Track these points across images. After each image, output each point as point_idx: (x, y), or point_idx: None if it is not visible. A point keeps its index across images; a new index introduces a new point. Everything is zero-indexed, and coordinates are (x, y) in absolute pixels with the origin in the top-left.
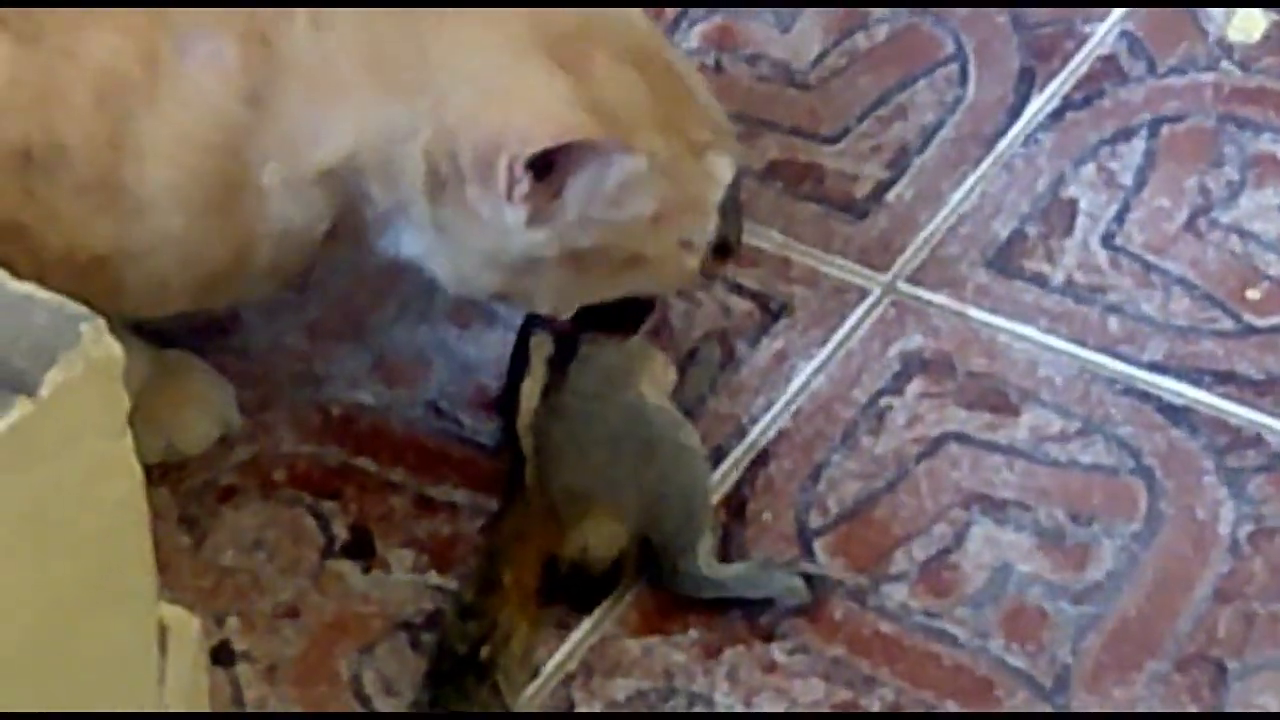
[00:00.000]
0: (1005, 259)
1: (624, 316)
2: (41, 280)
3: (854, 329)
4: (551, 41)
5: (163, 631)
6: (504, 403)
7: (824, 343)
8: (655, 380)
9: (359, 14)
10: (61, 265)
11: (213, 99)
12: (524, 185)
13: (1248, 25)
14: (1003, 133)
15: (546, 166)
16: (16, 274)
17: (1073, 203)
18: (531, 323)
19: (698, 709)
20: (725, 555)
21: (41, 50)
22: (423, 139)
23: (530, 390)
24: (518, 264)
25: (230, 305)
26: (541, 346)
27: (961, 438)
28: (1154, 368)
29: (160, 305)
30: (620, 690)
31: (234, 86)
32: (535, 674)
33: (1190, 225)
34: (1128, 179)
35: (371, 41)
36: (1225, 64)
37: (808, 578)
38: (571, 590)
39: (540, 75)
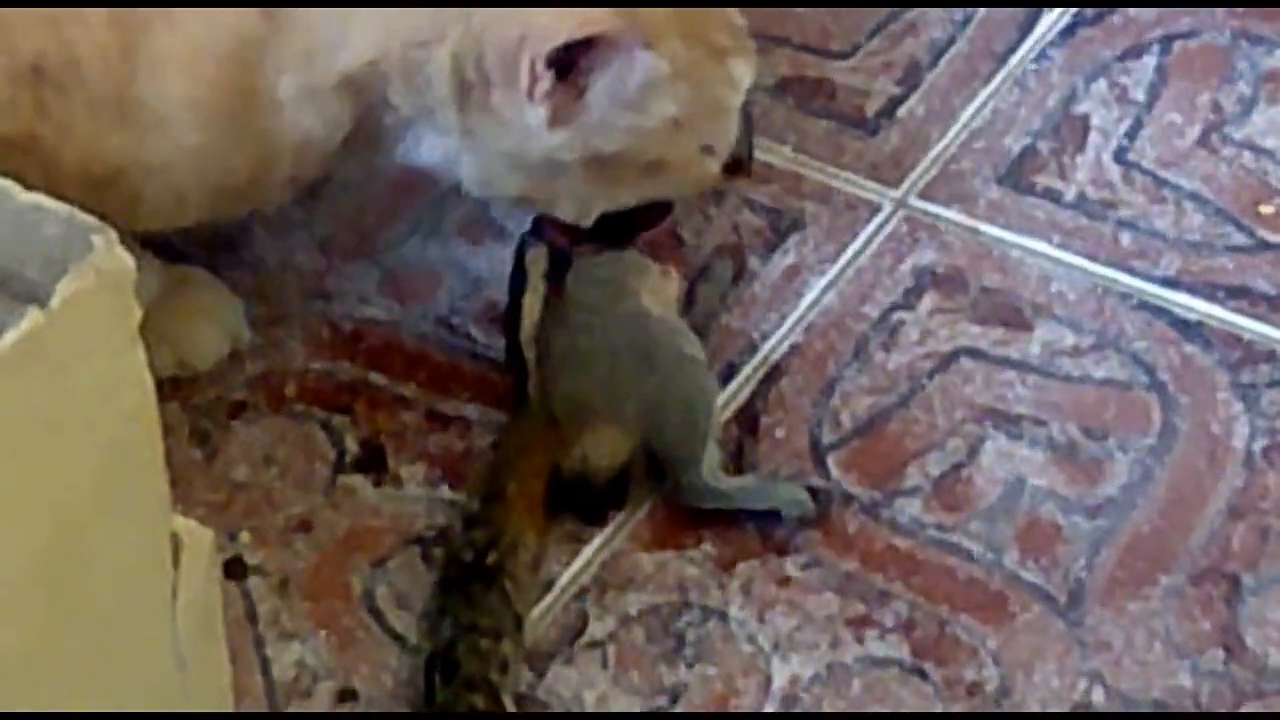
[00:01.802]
0: (1017, 175)
1: (629, 226)
2: (57, 193)
3: (866, 244)
4: None
5: (175, 544)
6: (507, 318)
7: (836, 258)
8: (655, 291)
9: None
10: (76, 178)
11: (226, 15)
12: (546, 83)
13: None
14: (1014, 49)
15: (570, 67)
16: (30, 187)
17: (1085, 119)
18: (527, 238)
19: (711, 623)
20: (738, 470)
21: None
22: (450, 42)
23: (530, 304)
24: (541, 168)
25: (247, 213)
26: (538, 261)
27: (974, 353)
28: (1167, 283)
29: (178, 217)
30: (633, 604)
31: None
32: (549, 588)
33: (1203, 141)
34: (1140, 95)
35: None
36: None
37: (814, 491)
38: (577, 501)
39: None
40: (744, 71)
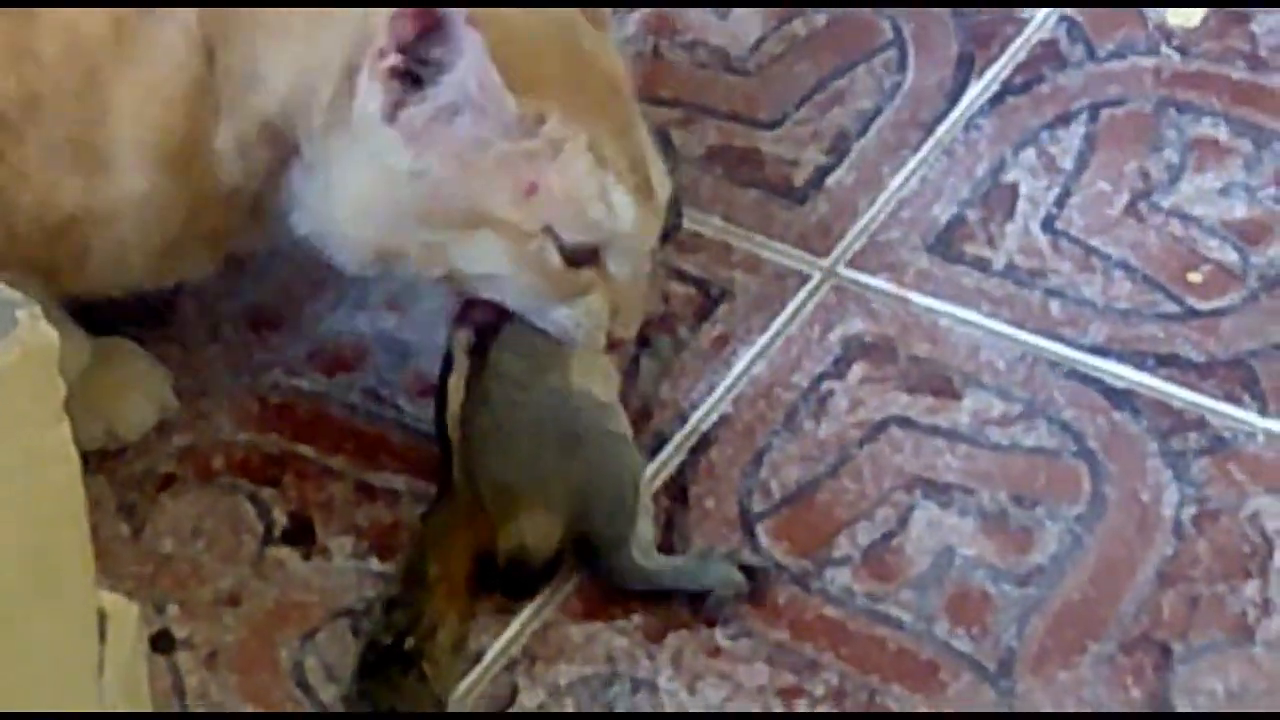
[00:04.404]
0: (946, 244)
1: None
2: (13, 245)
3: (795, 314)
4: None
5: (102, 619)
6: (437, 400)
7: (765, 328)
8: (586, 365)
9: None
10: (32, 228)
11: (175, 54)
12: (390, 60)
13: (1187, 9)
14: (942, 118)
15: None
16: None
17: (1013, 187)
18: (458, 321)
19: (641, 694)
20: (668, 541)
21: (7, 13)
22: (341, 57)
23: (455, 384)
24: (386, 203)
25: (170, 283)
26: (463, 340)
27: (903, 422)
28: (1096, 351)
29: (119, 276)
30: (563, 676)
31: (194, 41)
32: (478, 659)
33: (1131, 209)
34: (1068, 163)
35: None
36: (1164, 48)
37: (746, 569)
38: (509, 582)
39: None
40: (626, 207)
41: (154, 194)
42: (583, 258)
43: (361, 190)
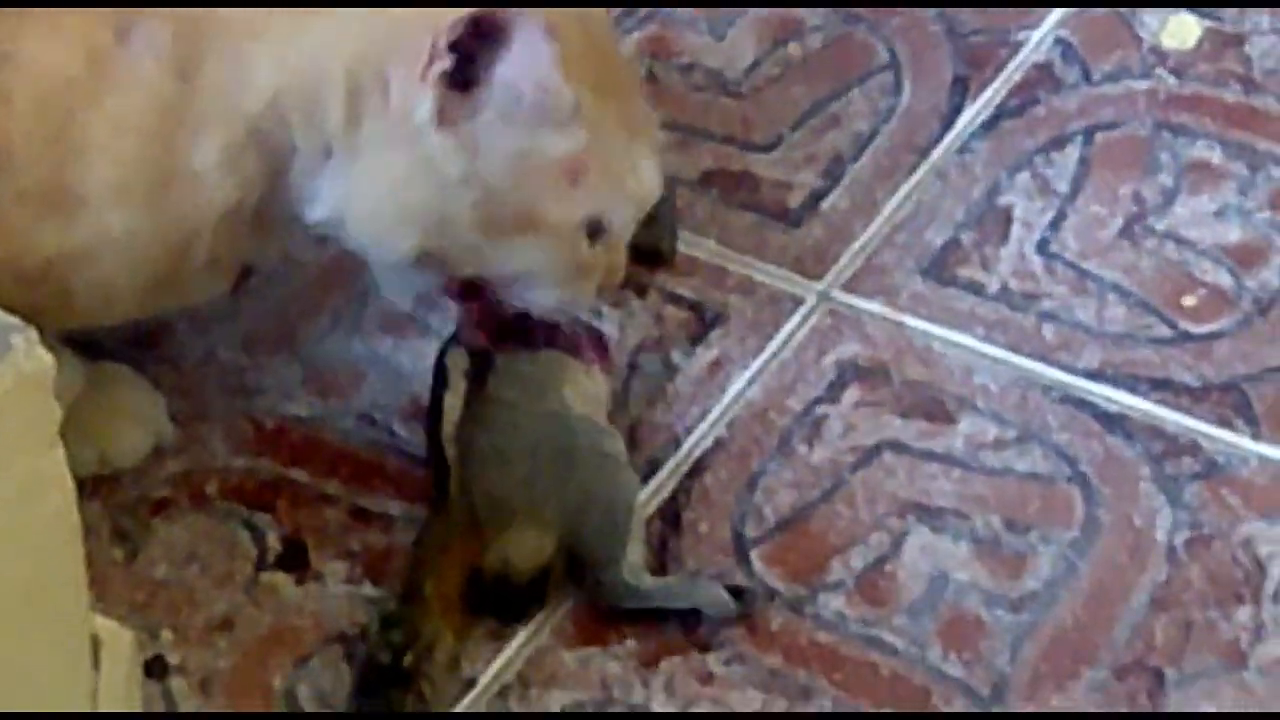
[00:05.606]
0: (940, 267)
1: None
2: None
3: (789, 338)
4: None
5: (95, 645)
6: (428, 417)
7: (759, 351)
8: (579, 389)
9: None
10: (10, 274)
11: (148, 83)
12: (442, 65)
13: (1181, 32)
14: (937, 141)
15: (472, 72)
16: None
17: (1007, 210)
18: (449, 341)
19: None
20: (661, 565)
21: None
22: (344, 58)
23: (451, 403)
24: (430, 205)
25: (176, 310)
26: (459, 361)
27: (897, 446)
28: (1090, 375)
29: (109, 311)
30: (556, 701)
31: (166, 65)
32: (471, 685)
33: (1125, 232)
34: (1062, 186)
35: None
36: (1159, 71)
37: (737, 591)
38: (497, 602)
39: None
40: (650, 169)
41: (135, 230)
42: (594, 232)
43: (408, 197)
